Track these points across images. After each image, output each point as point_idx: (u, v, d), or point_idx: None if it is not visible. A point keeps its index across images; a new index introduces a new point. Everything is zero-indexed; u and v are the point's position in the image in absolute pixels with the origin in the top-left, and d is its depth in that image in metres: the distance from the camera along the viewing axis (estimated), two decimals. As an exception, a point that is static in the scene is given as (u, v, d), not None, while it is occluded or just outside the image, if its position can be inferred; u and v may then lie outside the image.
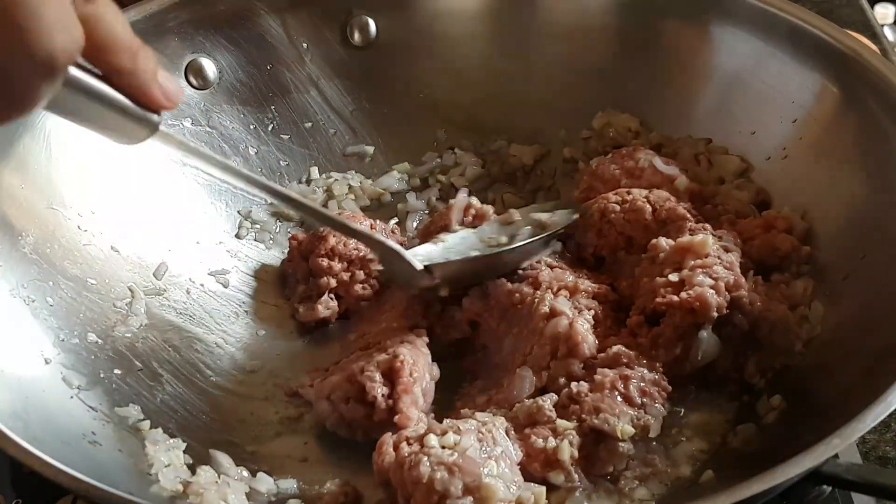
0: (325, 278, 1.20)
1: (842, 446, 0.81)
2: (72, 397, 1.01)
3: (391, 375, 1.02)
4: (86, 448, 0.96)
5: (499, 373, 1.10)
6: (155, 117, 0.83)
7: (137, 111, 0.81)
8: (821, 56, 1.15)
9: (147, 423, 1.03)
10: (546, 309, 1.07)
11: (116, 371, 1.08)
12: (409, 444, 0.93)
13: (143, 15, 1.21)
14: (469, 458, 0.90)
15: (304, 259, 1.23)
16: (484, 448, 0.92)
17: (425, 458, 0.90)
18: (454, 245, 1.19)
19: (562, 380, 1.03)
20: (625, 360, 1.03)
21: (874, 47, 1.35)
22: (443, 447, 0.91)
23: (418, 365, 1.04)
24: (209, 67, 1.28)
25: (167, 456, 0.99)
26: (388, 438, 0.95)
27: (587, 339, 1.05)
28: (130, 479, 0.95)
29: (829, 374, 1.00)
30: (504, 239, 1.18)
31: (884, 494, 0.87)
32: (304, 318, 1.21)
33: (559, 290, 1.11)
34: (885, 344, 0.95)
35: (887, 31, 1.90)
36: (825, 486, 1.00)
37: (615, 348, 1.04)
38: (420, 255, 1.14)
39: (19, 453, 0.85)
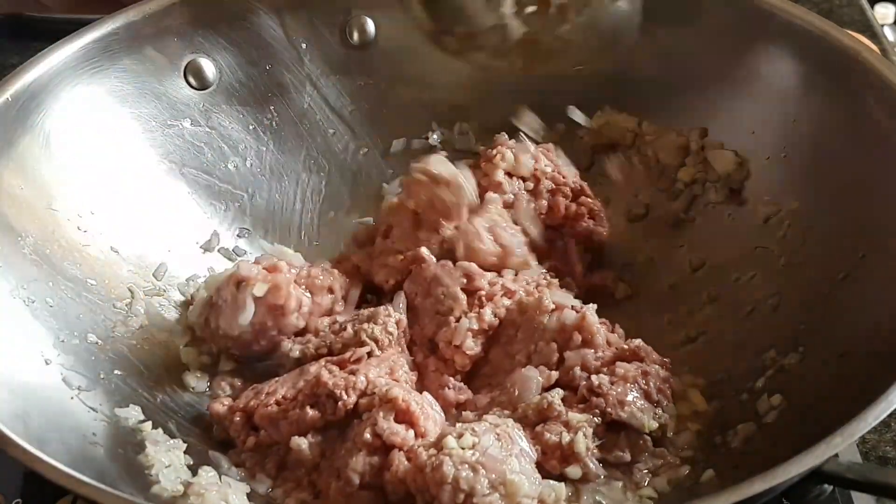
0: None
1: (843, 445, 0.81)
2: (72, 398, 1.01)
3: (403, 416, 0.97)
4: (86, 448, 0.96)
5: (495, 379, 1.09)
6: None
7: None
8: (821, 56, 1.16)
9: (147, 424, 1.03)
10: (549, 304, 1.08)
11: (117, 372, 1.08)
12: (425, 449, 0.92)
13: (143, 15, 1.21)
14: (491, 455, 0.90)
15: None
16: (503, 446, 0.93)
17: (447, 459, 0.89)
18: None
19: (577, 370, 1.03)
20: (643, 355, 1.04)
21: (874, 47, 1.35)
22: (462, 448, 0.91)
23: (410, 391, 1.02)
24: (208, 68, 1.28)
25: (168, 456, 0.99)
26: (396, 452, 0.94)
27: (601, 329, 1.06)
28: (131, 479, 0.95)
29: (829, 374, 1.00)
30: None
31: (886, 493, 0.87)
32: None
33: (537, 287, 1.13)
34: (885, 344, 0.95)
35: (887, 31, 1.90)
36: (826, 486, 1.00)
37: (636, 341, 1.05)
38: None
39: (20, 454, 0.85)
